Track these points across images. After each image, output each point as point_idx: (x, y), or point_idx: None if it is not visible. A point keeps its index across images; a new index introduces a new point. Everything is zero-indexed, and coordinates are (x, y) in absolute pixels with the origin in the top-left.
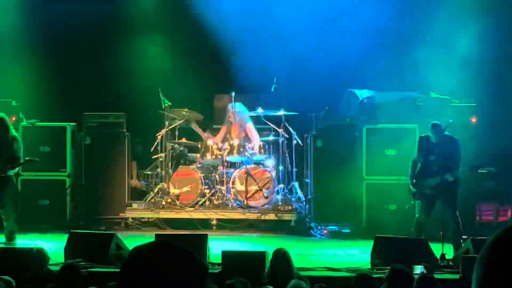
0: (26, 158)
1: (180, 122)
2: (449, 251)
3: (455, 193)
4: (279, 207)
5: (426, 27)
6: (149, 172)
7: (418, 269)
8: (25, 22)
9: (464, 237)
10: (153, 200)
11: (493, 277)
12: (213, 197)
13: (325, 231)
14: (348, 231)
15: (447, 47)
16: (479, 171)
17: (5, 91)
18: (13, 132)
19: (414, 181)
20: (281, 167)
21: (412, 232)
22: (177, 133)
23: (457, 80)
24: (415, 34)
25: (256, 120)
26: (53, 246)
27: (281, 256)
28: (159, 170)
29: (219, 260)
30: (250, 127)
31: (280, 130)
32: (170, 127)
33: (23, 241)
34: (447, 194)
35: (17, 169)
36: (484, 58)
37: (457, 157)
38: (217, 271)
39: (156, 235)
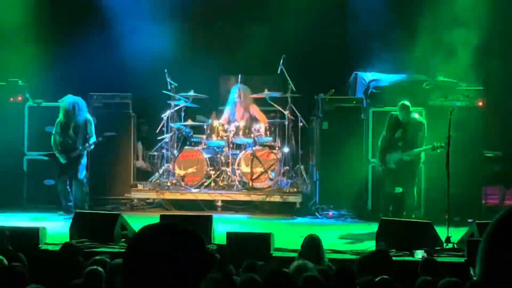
0: (96, 141)
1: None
2: (454, 234)
3: (414, 171)
4: (284, 189)
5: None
6: (155, 153)
7: (419, 254)
8: (31, 1)
9: (469, 220)
10: (158, 181)
11: (498, 255)
12: (218, 179)
13: (330, 213)
14: (353, 213)
15: (454, 30)
16: (485, 154)
17: (12, 71)
18: (87, 115)
19: (378, 157)
20: (287, 149)
21: (412, 214)
22: (183, 114)
23: (465, 64)
24: (423, 16)
25: (262, 102)
26: (58, 226)
27: (311, 241)
28: (164, 151)
29: (224, 242)
30: (255, 108)
31: (286, 112)
32: (176, 108)
33: (27, 220)
34: (406, 170)
35: (89, 148)
36: (492, 41)
37: (420, 140)
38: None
39: (161, 216)
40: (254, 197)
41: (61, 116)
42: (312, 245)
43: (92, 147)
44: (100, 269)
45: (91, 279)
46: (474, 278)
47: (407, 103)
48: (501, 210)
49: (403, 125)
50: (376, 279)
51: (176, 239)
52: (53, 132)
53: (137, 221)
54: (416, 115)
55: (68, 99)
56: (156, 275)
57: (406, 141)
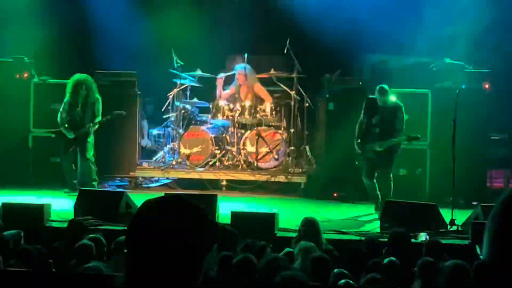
0: (104, 119)
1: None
2: (459, 217)
3: (392, 159)
4: (290, 169)
5: None
6: (160, 132)
7: (423, 236)
8: None
9: (474, 203)
10: (163, 159)
11: (507, 233)
12: (223, 158)
13: (335, 194)
14: (358, 195)
15: (461, 12)
16: (491, 137)
17: (18, 48)
18: (96, 93)
19: (359, 141)
20: (292, 130)
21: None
22: (188, 93)
23: (471, 46)
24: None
25: (268, 82)
26: (63, 203)
27: (310, 224)
28: (170, 130)
29: (228, 221)
30: (260, 88)
31: (292, 92)
32: (181, 87)
33: (33, 197)
34: (384, 158)
35: (97, 126)
36: (499, 25)
37: (398, 124)
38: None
39: (166, 195)
40: (259, 177)
41: (68, 95)
42: (309, 227)
43: (97, 126)
44: (89, 242)
45: (81, 254)
46: (481, 257)
47: (386, 86)
48: (507, 190)
49: (380, 110)
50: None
51: (178, 211)
52: (60, 110)
53: (142, 199)
54: (393, 98)
55: (76, 77)
56: (160, 249)
57: (384, 128)
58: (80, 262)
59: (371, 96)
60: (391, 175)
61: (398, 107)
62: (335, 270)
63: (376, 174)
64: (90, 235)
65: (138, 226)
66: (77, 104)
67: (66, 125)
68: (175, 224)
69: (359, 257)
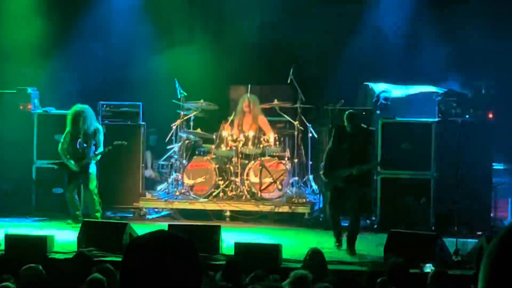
0: (106, 149)
1: (195, 112)
2: (463, 247)
3: (362, 186)
4: (293, 199)
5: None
6: (164, 162)
7: (428, 267)
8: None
9: (479, 233)
10: (167, 190)
11: (502, 274)
12: (227, 189)
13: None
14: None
15: (464, 42)
16: (495, 167)
17: (21, 79)
18: (96, 123)
19: (323, 172)
20: (296, 160)
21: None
22: (192, 123)
23: (474, 75)
24: (433, 29)
25: (272, 112)
26: (66, 234)
27: (316, 255)
28: (173, 160)
29: (232, 252)
30: (264, 119)
31: (296, 123)
32: (185, 118)
33: (37, 228)
34: (354, 186)
35: (99, 157)
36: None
37: (369, 150)
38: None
39: (169, 226)
40: (263, 208)
41: (68, 126)
42: (314, 258)
43: (99, 156)
44: (100, 276)
45: (93, 286)
46: None
47: (355, 112)
48: (505, 227)
49: (350, 137)
50: None
51: (168, 248)
52: (61, 141)
53: (145, 230)
54: (363, 124)
55: (76, 108)
56: (152, 284)
57: (354, 154)
58: None
59: (339, 124)
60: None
61: (369, 132)
62: None
63: (346, 207)
64: (100, 266)
65: (129, 262)
66: (78, 135)
67: (68, 156)
68: (163, 262)
69: None
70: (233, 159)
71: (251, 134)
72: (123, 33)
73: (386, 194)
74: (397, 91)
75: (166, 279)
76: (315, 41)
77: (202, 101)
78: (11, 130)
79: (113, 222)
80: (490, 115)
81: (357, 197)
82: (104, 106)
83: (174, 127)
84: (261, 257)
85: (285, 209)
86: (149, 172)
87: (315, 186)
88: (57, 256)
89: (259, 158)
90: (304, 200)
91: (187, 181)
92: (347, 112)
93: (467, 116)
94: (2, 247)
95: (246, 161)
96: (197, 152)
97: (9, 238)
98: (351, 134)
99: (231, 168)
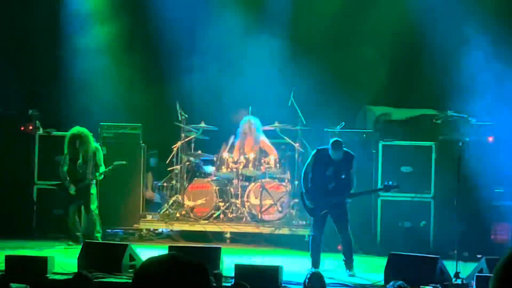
0: (106, 169)
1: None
2: (463, 270)
3: (347, 211)
4: (294, 221)
5: (442, 44)
6: (164, 184)
7: None
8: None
9: (479, 256)
10: (167, 212)
11: None
12: (227, 210)
13: (339, 247)
14: (361, 247)
15: (463, 65)
16: (495, 190)
17: (22, 100)
18: (95, 144)
19: (305, 196)
20: (296, 182)
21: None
22: (193, 145)
23: (475, 99)
24: (433, 51)
25: (272, 134)
26: (67, 255)
27: (316, 278)
28: (174, 182)
29: (232, 274)
30: (265, 141)
31: (296, 145)
32: (186, 140)
33: (37, 249)
34: (340, 212)
35: (102, 177)
36: (501, 77)
37: (352, 176)
38: (229, 284)
39: (170, 247)
40: (263, 230)
41: (66, 149)
42: (315, 281)
43: (102, 176)
44: None
45: None
46: None
47: (340, 140)
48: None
49: (334, 163)
50: None
51: (180, 271)
52: (61, 163)
53: (145, 251)
54: (345, 148)
55: (73, 131)
56: None
57: (339, 181)
58: None
59: (321, 147)
60: (349, 229)
61: (351, 156)
62: None
63: (335, 228)
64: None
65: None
66: (78, 157)
67: (68, 179)
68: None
69: None
70: (233, 181)
71: (251, 156)
72: (122, 56)
73: (386, 216)
74: (397, 113)
75: None
76: (313, 64)
77: (203, 123)
78: (12, 151)
79: (114, 243)
80: (491, 138)
81: (343, 219)
82: (105, 127)
83: (175, 149)
84: (262, 279)
85: (285, 231)
86: (149, 194)
87: None
88: (57, 277)
89: (259, 180)
90: (304, 222)
91: (188, 203)
92: (332, 140)
93: (467, 139)
94: (2, 267)
95: (247, 183)
96: (197, 174)
97: (9, 259)
98: (335, 160)
99: (232, 190)
